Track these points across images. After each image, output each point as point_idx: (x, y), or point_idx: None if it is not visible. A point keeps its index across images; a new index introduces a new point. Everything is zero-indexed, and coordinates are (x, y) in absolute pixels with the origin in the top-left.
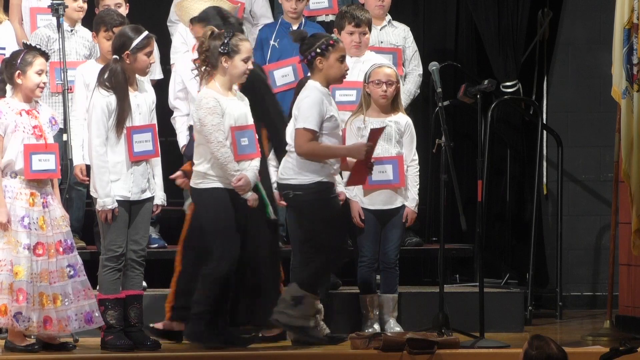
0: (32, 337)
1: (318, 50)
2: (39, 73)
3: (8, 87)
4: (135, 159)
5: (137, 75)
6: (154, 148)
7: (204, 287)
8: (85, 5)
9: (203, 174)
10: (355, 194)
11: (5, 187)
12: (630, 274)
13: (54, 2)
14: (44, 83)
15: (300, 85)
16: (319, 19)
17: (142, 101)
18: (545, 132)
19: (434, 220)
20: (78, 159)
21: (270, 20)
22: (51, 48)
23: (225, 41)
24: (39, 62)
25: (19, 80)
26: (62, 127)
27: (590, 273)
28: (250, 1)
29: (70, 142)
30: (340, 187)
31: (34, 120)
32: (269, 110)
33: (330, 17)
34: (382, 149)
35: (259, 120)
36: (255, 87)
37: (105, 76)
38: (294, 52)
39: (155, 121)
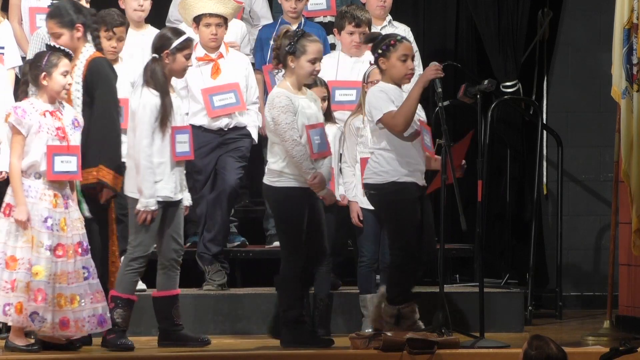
0: (32, 337)
1: (380, 51)
2: (64, 74)
3: (30, 88)
4: (178, 159)
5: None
6: (189, 149)
7: (287, 290)
8: (88, 7)
9: (279, 172)
10: (354, 195)
11: (29, 188)
12: (630, 274)
13: (54, 2)
14: (69, 84)
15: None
16: (317, 19)
17: (180, 102)
18: (545, 132)
19: (434, 220)
20: None
21: (269, 20)
22: None
23: (293, 41)
24: (63, 64)
25: (44, 82)
26: None
27: (590, 273)
28: (249, 1)
29: None
30: (340, 189)
31: (57, 122)
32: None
33: (329, 18)
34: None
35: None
36: (93, 79)
37: (148, 76)
38: None
39: None
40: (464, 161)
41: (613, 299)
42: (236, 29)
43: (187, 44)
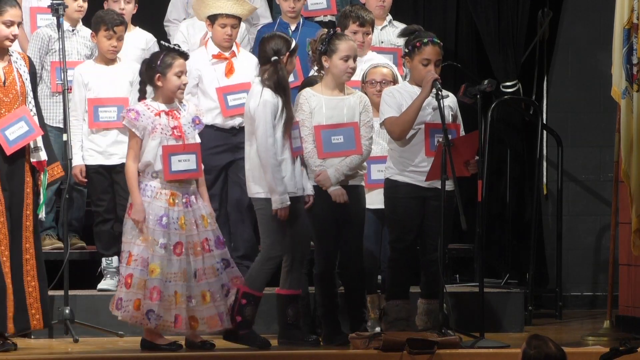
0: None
1: (406, 50)
2: (179, 75)
3: (149, 89)
4: (295, 154)
5: None
6: (300, 144)
7: (318, 287)
8: (85, 5)
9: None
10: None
11: (145, 187)
12: (630, 274)
13: (54, 2)
14: (184, 84)
15: (303, 85)
16: (317, 19)
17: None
18: (545, 132)
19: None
20: (77, 159)
21: (269, 20)
22: (52, 48)
23: (325, 41)
24: (178, 64)
25: (159, 83)
26: (62, 126)
27: (590, 273)
28: (251, 1)
29: (70, 142)
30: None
31: (173, 121)
32: None
33: (329, 18)
34: (380, 149)
35: None
36: (34, 74)
37: (275, 79)
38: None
39: None
40: (477, 157)
41: (613, 299)
42: None
43: (297, 46)
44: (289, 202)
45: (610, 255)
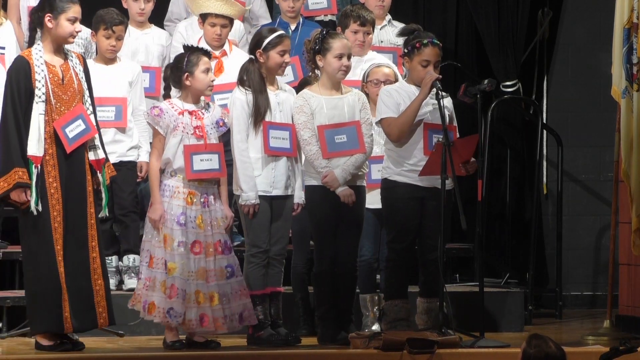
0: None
1: (405, 50)
2: (206, 72)
3: (173, 91)
4: (271, 154)
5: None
6: (291, 147)
7: (316, 287)
8: None
9: (304, 171)
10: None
11: (164, 187)
12: (630, 274)
13: None
14: (212, 81)
15: (302, 84)
16: (317, 18)
17: (284, 100)
18: (545, 132)
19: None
20: None
21: (268, 20)
22: None
23: (318, 40)
24: (203, 62)
25: (187, 82)
26: None
27: (590, 273)
28: (249, 1)
29: None
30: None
31: (196, 121)
32: None
33: (329, 17)
34: (381, 149)
35: None
36: None
37: (242, 75)
38: (293, 51)
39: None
40: (473, 158)
41: (613, 299)
42: (235, 29)
43: (280, 40)
44: (253, 201)
45: (610, 255)
